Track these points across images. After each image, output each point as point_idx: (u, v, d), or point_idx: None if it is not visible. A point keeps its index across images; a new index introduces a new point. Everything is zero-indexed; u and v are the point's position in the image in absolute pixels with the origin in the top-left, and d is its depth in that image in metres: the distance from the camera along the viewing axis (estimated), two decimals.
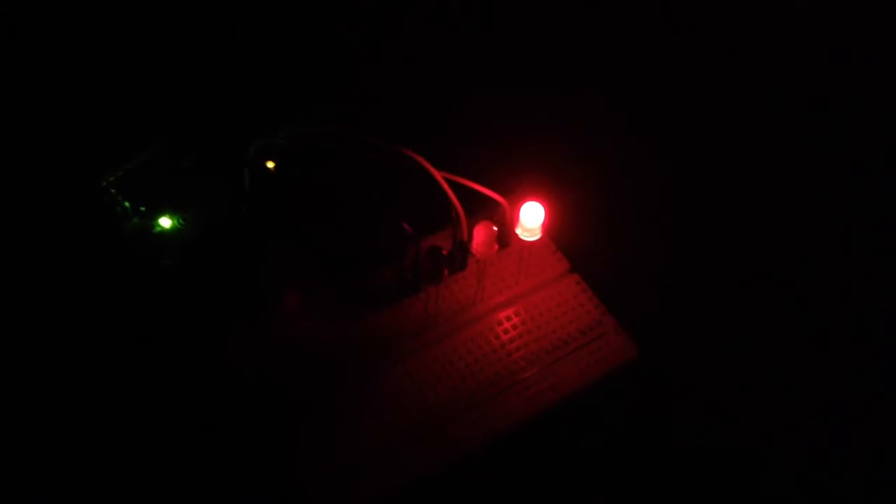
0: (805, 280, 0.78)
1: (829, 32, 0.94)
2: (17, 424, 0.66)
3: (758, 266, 0.79)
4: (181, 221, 0.75)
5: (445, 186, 0.67)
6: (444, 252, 0.70)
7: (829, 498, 0.66)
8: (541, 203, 0.68)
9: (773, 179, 0.86)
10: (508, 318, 0.72)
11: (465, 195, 0.68)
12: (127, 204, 0.74)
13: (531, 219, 0.69)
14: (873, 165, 0.87)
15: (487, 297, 0.73)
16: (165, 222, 0.75)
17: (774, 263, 0.79)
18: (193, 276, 0.73)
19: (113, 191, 0.74)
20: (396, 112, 0.87)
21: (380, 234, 0.73)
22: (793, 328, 0.75)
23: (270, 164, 0.74)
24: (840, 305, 0.76)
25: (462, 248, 0.71)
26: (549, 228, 0.71)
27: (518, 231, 0.70)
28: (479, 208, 0.71)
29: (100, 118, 0.84)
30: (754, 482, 0.66)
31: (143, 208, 0.75)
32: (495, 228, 0.68)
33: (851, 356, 0.73)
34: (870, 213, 0.83)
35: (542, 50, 0.94)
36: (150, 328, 0.71)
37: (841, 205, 0.84)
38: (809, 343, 0.74)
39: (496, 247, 0.69)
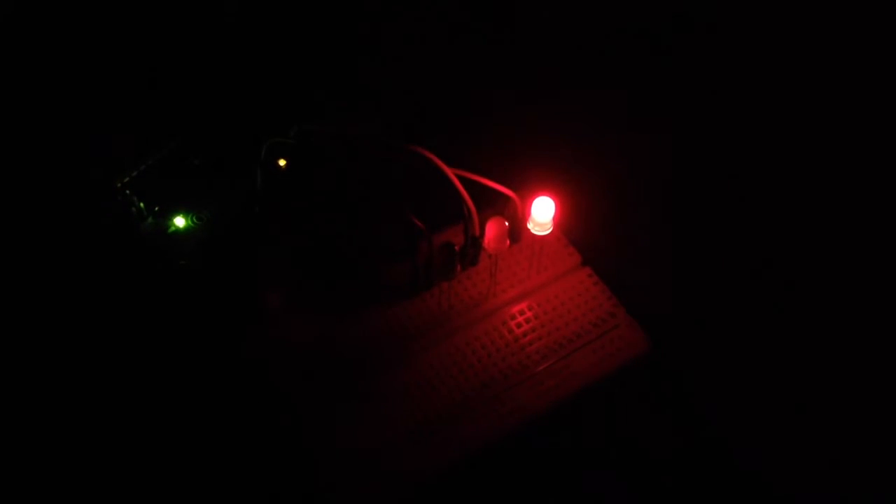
0: (817, 272, 0.78)
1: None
2: (30, 423, 0.67)
3: (770, 259, 0.79)
4: (195, 220, 0.76)
5: (457, 183, 0.67)
6: (457, 248, 0.70)
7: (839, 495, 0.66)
8: (552, 198, 0.69)
9: (785, 172, 0.85)
10: (521, 312, 0.73)
11: (476, 191, 0.68)
12: (142, 204, 0.75)
13: (542, 213, 0.69)
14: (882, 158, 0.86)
15: (500, 291, 0.74)
16: (180, 222, 0.75)
17: (786, 256, 0.79)
18: (209, 275, 0.74)
19: (127, 191, 0.75)
20: (406, 109, 0.87)
21: (392, 231, 0.73)
22: (805, 320, 0.74)
23: (282, 163, 0.75)
24: (852, 298, 0.76)
25: (474, 244, 0.71)
26: (561, 222, 0.72)
27: (529, 226, 0.70)
28: (491, 204, 0.71)
29: (113, 119, 0.85)
30: (764, 477, 0.66)
31: (157, 208, 0.76)
32: (507, 224, 0.68)
33: (862, 350, 0.73)
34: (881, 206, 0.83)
35: (552, 45, 0.94)
36: (167, 328, 0.71)
37: (851, 196, 0.84)
38: (822, 335, 0.73)
39: (508, 242, 0.69)
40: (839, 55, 0.91)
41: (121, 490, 0.65)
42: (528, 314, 0.73)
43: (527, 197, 0.70)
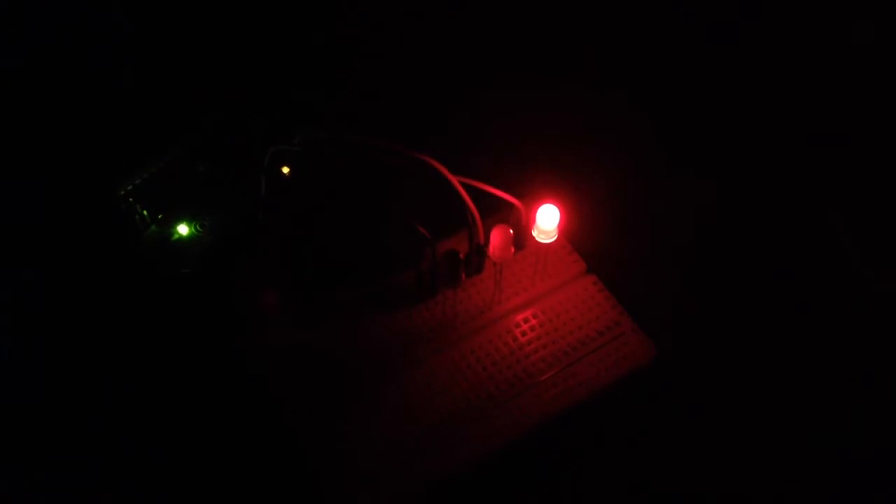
0: (824, 275, 0.78)
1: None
2: (29, 429, 0.67)
3: (776, 265, 0.78)
4: (199, 228, 0.76)
5: (461, 190, 0.67)
6: (461, 255, 0.70)
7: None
8: (556, 205, 0.68)
9: (793, 179, 0.85)
10: (526, 320, 0.72)
11: (480, 198, 0.68)
12: (145, 212, 0.75)
13: (547, 221, 0.69)
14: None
15: (504, 299, 0.73)
16: (183, 230, 0.75)
17: (795, 260, 0.79)
18: (212, 284, 0.73)
19: (131, 199, 0.75)
20: (408, 115, 0.87)
21: (396, 239, 0.73)
22: (813, 328, 0.74)
23: (286, 170, 0.75)
24: (861, 302, 0.76)
25: (479, 252, 0.71)
26: (566, 230, 0.71)
27: (534, 233, 0.70)
28: (495, 211, 0.71)
29: (116, 127, 0.85)
30: (769, 477, 0.66)
31: (160, 216, 0.76)
32: (511, 231, 0.68)
33: (869, 351, 0.73)
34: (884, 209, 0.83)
35: (557, 50, 0.94)
36: (170, 336, 0.71)
37: (855, 196, 0.83)
38: (829, 342, 0.73)
39: (512, 249, 0.69)
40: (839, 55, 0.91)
41: (118, 494, 0.64)
42: (533, 322, 0.72)
43: (531, 204, 0.69)
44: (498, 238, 0.68)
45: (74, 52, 0.89)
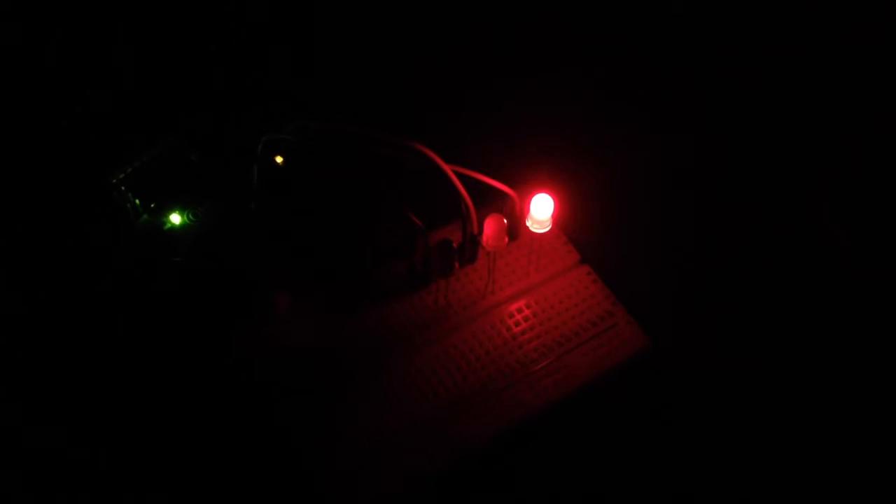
0: (821, 271, 0.78)
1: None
2: (21, 423, 0.67)
3: (772, 258, 0.78)
4: (191, 217, 0.75)
5: (455, 180, 0.66)
6: (455, 245, 0.69)
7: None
8: (551, 195, 0.68)
9: (787, 171, 0.85)
10: (519, 310, 0.72)
11: (475, 188, 0.68)
12: (137, 201, 0.75)
13: (541, 211, 0.69)
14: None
15: (498, 289, 0.73)
16: (175, 219, 0.75)
17: (789, 254, 0.79)
18: (204, 273, 0.73)
19: (122, 188, 0.75)
20: (404, 105, 0.87)
21: (389, 228, 0.73)
22: (805, 319, 0.74)
23: (279, 159, 0.74)
24: (853, 296, 0.76)
25: (472, 241, 0.71)
26: (559, 220, 0.71)
27: (528, 223, 0.70)
28: (489, 201, 0.71)
29: (107, 115, 0.84)
30: (762, 475, 0.66)
31: (152, 205, 0.75)
32: (505, 221, 0.68)
33: (866, 349, 0.73)
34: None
35: (551, 41, 0.94)
36: (162, 325, 0.71)
37: (853, 195, 0.84)
38: (820, 334, 0.73)
39: (506, 239, 0.69)
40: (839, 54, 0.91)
41: (113, 491, 0.64)
42: (527, 312, 0.72)
43: (525, 194, 0.69)
44: (492, 227, 0.68)
45: (69, 45, 0.88)
